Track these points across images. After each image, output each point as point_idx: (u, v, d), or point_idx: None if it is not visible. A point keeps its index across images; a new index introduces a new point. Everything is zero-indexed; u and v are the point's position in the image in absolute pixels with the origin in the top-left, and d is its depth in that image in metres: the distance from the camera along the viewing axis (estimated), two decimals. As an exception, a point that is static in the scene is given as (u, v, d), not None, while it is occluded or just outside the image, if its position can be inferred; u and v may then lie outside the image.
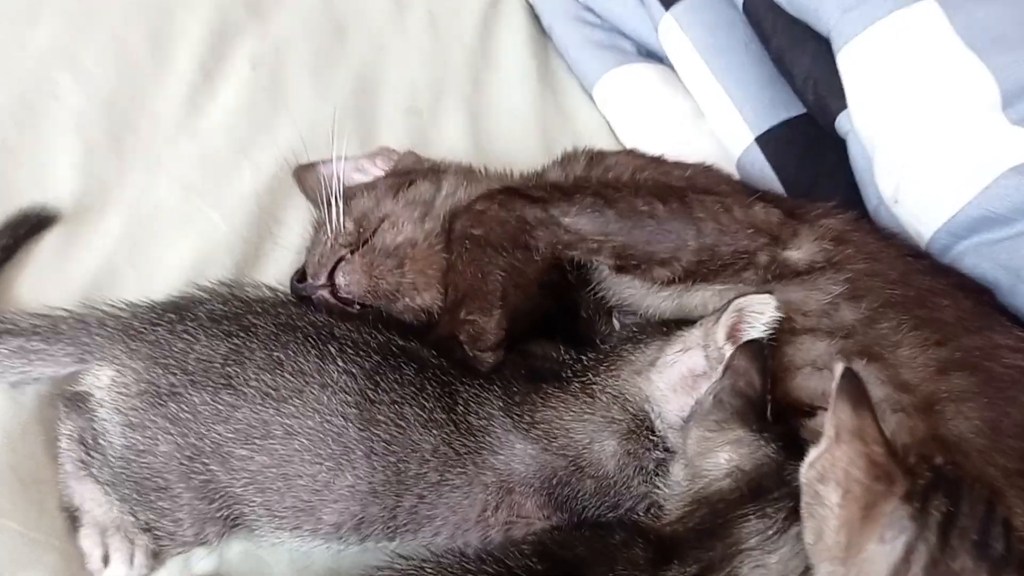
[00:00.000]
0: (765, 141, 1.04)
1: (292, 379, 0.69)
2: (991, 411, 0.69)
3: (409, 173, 0.92)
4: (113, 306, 0.75)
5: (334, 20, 1.12)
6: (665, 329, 0.78)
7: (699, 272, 0.79)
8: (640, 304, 0.84)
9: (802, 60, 1.00)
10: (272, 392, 0.68)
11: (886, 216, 0.89)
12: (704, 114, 1.13)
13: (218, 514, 0.69)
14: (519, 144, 1.13)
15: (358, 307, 0.82)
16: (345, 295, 0.82)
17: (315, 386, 0.69)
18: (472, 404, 0.72)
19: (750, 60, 1.08)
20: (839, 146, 0.99)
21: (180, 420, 0.68)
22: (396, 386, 0.70)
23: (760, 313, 0.72)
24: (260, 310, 0.73)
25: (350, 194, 0.88)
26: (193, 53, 1.00)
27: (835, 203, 0.86)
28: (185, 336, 0.70)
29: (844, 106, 0.95)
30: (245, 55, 1.03)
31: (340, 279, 0.81)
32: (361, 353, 0.71)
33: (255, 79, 1.02)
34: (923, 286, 0.78)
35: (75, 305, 0.76)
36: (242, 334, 0.70)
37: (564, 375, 0.77)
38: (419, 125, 1.09)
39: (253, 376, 0.68)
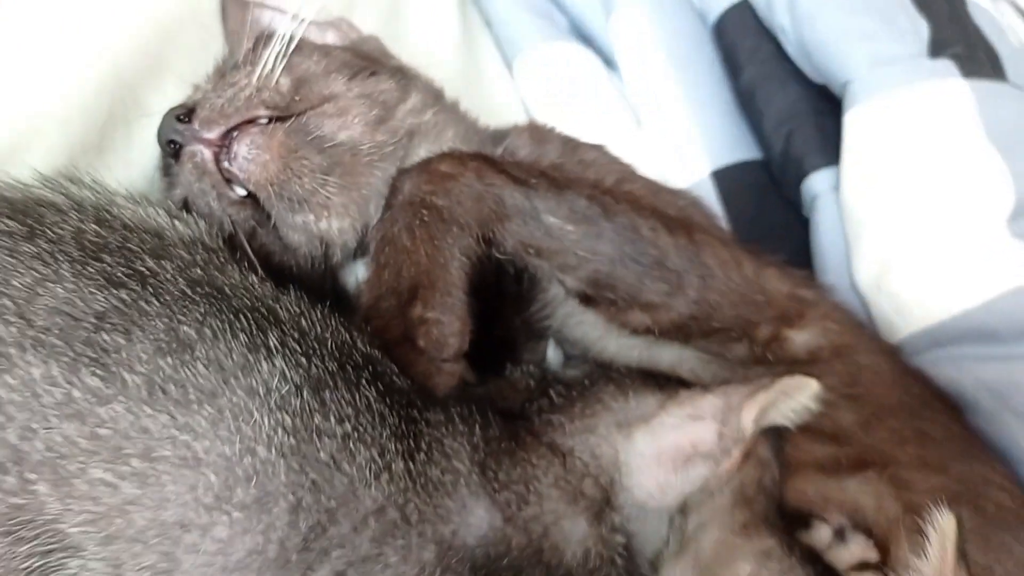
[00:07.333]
0: (721, 178, 0.95)
1: (205, 372, 0.45)
2: (986, 556, 0.65)
3: (372, 61, 0.72)
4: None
5: None
6: (654, 382, 0.64)
7: (685, 328, 0.67)
8: (594, 345, 0.71)
9: (779, 103, 0.94)
10: (170, 387, 0.44)
11: (852, 299, 0.84)
12: (644, 126, 1.00)
13: (25, 564, 0.43)
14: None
15: (244, 194, 0.62)
16: (234, 170, 0.60)
17: (239, 390, 0.46)
18: (435, 450, 0.53)
19: (714, 85, 0.98)
20: (793, 206, 0.93)
21: (-1, 401, 0.42)
22: (352, 412, 0.49)
23: (796, 401, 0.61)
24: (159, 247, 0.48)
25: (297, 48, 0.67)
26: None
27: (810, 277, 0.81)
28: (36, 264, 0.44)
29: (820, 165, 0.90)
30: None
31: (241, 147, 0.60)
32: (311, 353, 0.49)
33: None
34: (914, 393, 0.74)
35: None
36: (135, 282, 0.45)
37: (532, 416, 0.61)
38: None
39: (143, 355, 0.44)
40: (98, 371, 0.43)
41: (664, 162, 0.98)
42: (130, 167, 0.65)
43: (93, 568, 0.44)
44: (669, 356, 0.69)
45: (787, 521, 0.64)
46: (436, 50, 0.99)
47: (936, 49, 0.85)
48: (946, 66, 0.83)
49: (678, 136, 0.96)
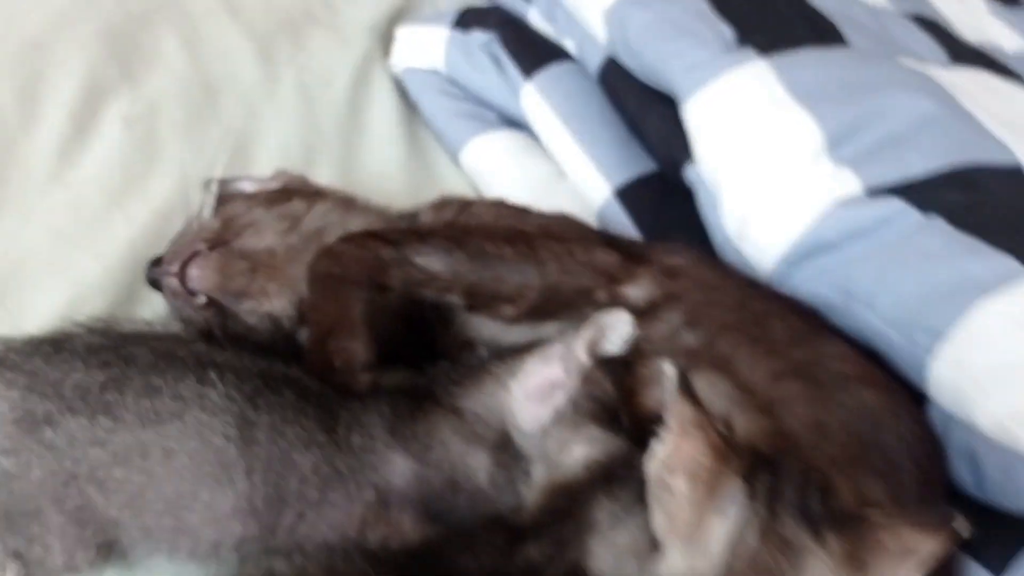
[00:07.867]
0: (623, 194, 1.17)
1: (171, 403, 0.74)
2: (818, 412, 0.81)
3: (291, 191, 1.01)
4: (-13, 340, 0.79)
5: (206, 84, 1.21)
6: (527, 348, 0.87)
7: (544, 309, 0.89)
8: (502, 340, 0.93)
9: (652, 121, 1.15)
10: (151, 416, 0.73)
11: (732, 254, 1.02)
12: (565, 174, 1.25)
13: (90, 540, 0.72)
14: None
15: (205, 299, 0.91)
16: (192, 286, 0.91)
17: (195, 409, 0.74)
18: (354, 425, 0.79)
19: (606, 123, 1.23)
20: (689, 197, 1.13)
21: (55, 446, 0.72)
22: (277, 408, 0.76)
23: (617, 329, 0.82)
24: (138, 341, 0.78)
25: (229, 199, 0.98)
26: (65, 108, 1.08)
27: (678, 244, 0.99)
28: (62, 365, 0.75)
29: (689, 159, 1.09)
30: (118, 113, 1.11)
31: (192, 271, 0.90)
32: (242, 378, 0.77)
33: (128, 135, 1.09)
34: (757, 310, 0.91)
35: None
36: (121, 363, 0.75)
37: (436, 391, 0.84)
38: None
39: (132, 402, 0.73)
40: (108, 416, 0.73)
41: (582, 195, 1.22)
42: (154, 309, 0.97)
43: (134, 535, 0.73)
44: (548, 331, 0.90)
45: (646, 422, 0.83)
46: (392, 164, 1.29)
47: (741, 43, 1.07)
48: (745, 53, 1.04)
49: (582, 173, 1.21)
